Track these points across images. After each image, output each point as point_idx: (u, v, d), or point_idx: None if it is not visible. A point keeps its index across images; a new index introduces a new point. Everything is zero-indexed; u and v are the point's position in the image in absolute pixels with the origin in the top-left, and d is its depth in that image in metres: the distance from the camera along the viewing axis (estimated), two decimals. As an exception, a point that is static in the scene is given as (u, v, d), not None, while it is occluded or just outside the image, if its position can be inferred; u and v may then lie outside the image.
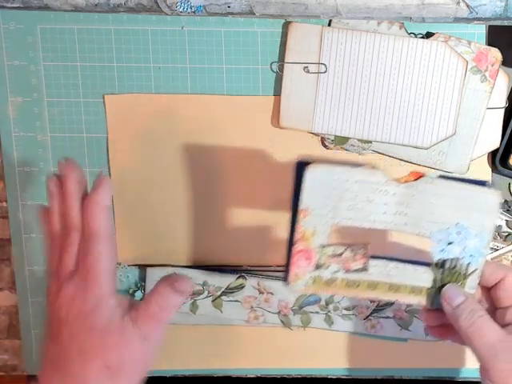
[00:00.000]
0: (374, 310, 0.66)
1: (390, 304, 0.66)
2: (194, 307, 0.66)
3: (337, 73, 0.62)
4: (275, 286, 0.66)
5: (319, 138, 0.64)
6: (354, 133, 0.62)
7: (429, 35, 0.61)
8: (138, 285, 0.66)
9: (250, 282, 0.66)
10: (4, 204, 0.66)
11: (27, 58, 0.63)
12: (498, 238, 0.65)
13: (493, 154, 0.63)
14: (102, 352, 0.48)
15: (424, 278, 0.51)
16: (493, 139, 0.63)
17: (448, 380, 0.69)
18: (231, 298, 0.66)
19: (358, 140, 0.63)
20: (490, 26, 0.62)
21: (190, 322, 0.67)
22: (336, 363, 0.68)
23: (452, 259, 0.51)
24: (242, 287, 0.66)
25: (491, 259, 0.65)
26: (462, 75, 0.61)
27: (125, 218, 0.66)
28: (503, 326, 0.49)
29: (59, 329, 0.50)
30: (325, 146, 0.64)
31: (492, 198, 0.49)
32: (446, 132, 0.62)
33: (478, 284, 0.51)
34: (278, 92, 0.63)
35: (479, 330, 0.49)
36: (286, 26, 0.62)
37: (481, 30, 0.62)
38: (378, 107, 0.62)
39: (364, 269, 0.51)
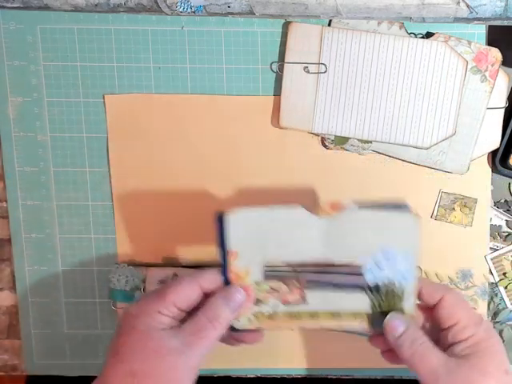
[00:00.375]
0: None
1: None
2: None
3: (337, 73, 0.62)
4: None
5: (319, 137, 0.64)
6: (353, 133, 0.62)
7: (429, 35, 0.61)
8: (138, 285, 0.66)
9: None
10: (4, 204, 0.66)
11: (27, 58, 0.63)
12: (498, 237, 0.65)
13: (493, 154, 0.63)
14: (131, 356, 0.48)
15: (362, 302, 0.53)
16: (493, 139, 0.63)
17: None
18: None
19: (358, 140, 0.63)
20: (490, 26, 0.62)
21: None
22: (336, 363, 0.68)
23: (385, 283, 0.52)
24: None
25: (491, 259, 0.65)
26: (462, 75, 0.61)
27: (125, 218, 0.66)
28: (446, 347, 0.50)
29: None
30: (325, 146, 0.64)
31: (411, 220, 0.51)
32: (446, 132, 0.62)
33: (417, 304, 0.52)
34: (278, 92, 0.63)
35: (421, 358, 0.49)
36: (285, 25, 0.62)
37: (481, 30, 0.62)
38: (377, 107, 0.62)
39: (302, 300, 0.53)
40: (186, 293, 0.50)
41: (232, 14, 0.61)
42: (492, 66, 0.61)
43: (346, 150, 0.63)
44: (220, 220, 0.51)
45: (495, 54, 0.60)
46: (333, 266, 0.53)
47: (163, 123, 0.64)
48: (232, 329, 0.53)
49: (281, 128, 0.63)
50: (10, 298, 0.68)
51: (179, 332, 0.49)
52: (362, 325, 0.53)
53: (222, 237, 0.51)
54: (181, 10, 0.60)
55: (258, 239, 0.52)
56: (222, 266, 0.52)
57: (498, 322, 0.66)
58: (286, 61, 0.62)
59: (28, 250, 0.67)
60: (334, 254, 0.52)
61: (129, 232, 0.66)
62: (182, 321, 0.50)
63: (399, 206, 0.53)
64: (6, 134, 0.65)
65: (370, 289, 0.53)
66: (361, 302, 0.53)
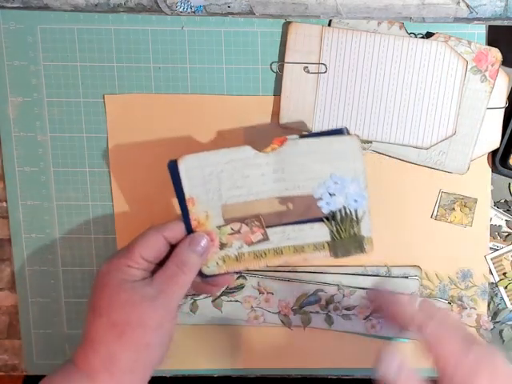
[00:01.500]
0: (374, 309, 0.66)
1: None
2: (194, 307, 0.66)
3: (337, 73, 0.62)
4: (275, 286, 0.66)
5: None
6: (353, 133, 0.62)
7: (429, 35, 0.61)
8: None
9: (250, 281, 0.66)
10: (4, 204, 0.66)
11: (27, 58, 0.63)
12: (498, 237, 0.65)
13: (493, 154, 0.63)
14: (108, 309, 0.50)
15: (322, 232, 0.55)
16: (493, 139, 0.63)
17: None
18: (231, 298, 0.66)
19: (358, 140, 0.63)
20: (490, 26, 0.62)
21: (190, 321, 0.67)
22: (336, 363, 0.68)
23: (340, 209, 0.55)
24: (242, 287, 0.66)
25: (491, 259, 0.65)
26: (462, 75, 0.61)
27: (125, 218, 0.66)
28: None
29: None
30: (325, 146, 0.64)
31: (351, 143, 0.54)
32: (446, 132, 0.62)
33: None
34: (278, 92, 0.63)
35: None
36: (285, 26, 0.62)
37: (481, 30, 0.62)
38: (377, 107, 0.62)
39: (265, 239, 0.55)
40: (152, 244, 0.53)
41: (232, 13, 0.61)
42: (492, 65, 0.61)
43: (346, 149, 0.63)
44: (173, 167, 0.54)
45: (495, 53, 0.60)
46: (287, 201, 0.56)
47: (163, 123, 0.64)
48: (203, 276, 0.55)
49: (281, 128, 0.63)
50: (10, 297, 0.68)
51: (151, 281, 0.52)
52: (323, 253, 0.56)
53: (178, 184, 0.54)
54: (181, 9, 0.60)
55: (213, 183, 0.54)
56: (183, 214, 0.54)
57: (498, 321, 0.66)
58: (286, 61, 0.62)
59: (28, 250, 0.67)
60: (286, 188, 0.55)
61: (129, 232, 0.66)
62: (153, 272, 0.53)
63: (336, 131, 0.55)
64: (6, 134, 0.65)
65: (327, 218, 0.55)
66: (320, 233, 0.55)
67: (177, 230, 0.54)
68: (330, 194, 0.54)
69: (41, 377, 0.70)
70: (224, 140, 0.64)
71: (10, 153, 0.65)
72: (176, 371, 0.68)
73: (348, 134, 0.55)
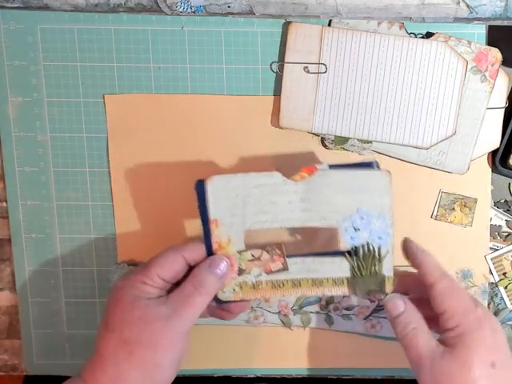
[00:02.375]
0: (374, 309, 0.66)
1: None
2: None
3: (337, 73, 0.62)
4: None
5: (319, 138, 0.64)
6: (353, 133, 0.62)
7: (429, 35, 0.61)
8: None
9: (251, 281, 0.66)
10: (4, 204, 0.66)
11: (27, 58, 0.63)
12: (498, 237, 0.65)
13: (493, 154, 0.63)
14: (121, 325, 0.50)
15: (342, 268, 0.54)
16: (493, 139, 0.63)
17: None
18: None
19: (358, 140, 0.63)
20: (490, 26, 0.62)
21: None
22: (336, 363, 0.68)
23: (363, 245, 0.54)
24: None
25: (491, 259, 0.65)
26: (462, 75, 0.61)
27: (125, 218, 0.66)
28: (441, 333, 0.51)
29: None
30: (325, 146, 0.64)
31: (381, 178, 0.53)
32: (446, 132, 0.62)
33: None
34: (278, 92, 0.63)
35: (410, 342, 0.51)
36: (285, 26, 0.61)
37: (481, 30, 0.62)
38: (378, 107, 0.62)
39: (284, 268, 0.54)
40: (169, 263, 0.52)
41: (232, 13, 0.61)
42: (492, 65, 0.61)
43: (346, 149, 0.63)
44: (199, 187, 0.53)
45: (495, 53, 0.60)
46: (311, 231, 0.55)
47: (163, 123, 0.64)
48: (218, 301, 0.54)
49: (281, 128, 0.63)
50: (9, 298, 0.68)
51: (166, 300, 0.51)
52: (342, 290, 0.54)
53: (203, 205, 0.53)
54: (181, 9, 0.60)
55: (238, 206, 0.53)
56: (205, 236, 0.53)
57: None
58: (286, 61, 0.62)
59: (28, 250, 0.67)
60: (311, 219, 0.54)
61: (129, 232, 0.66)
62: (169, 291, 0.52)
63: (367, 164, 0.54)
64: (6, 134, 0.65)
65: (349, 253, 0.54)
66: (341, 268, 0.54)
67: (197, 252, 0.53)
68: (355, 229, 0.53)
69: (41, 377, 0.70)
70: (224, 140, 0.64)
71: (10, 153, 0.65)
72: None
73: (378, 168, 0.54)
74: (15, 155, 0.65)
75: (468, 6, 0.58)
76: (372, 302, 0.66)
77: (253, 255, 0.54)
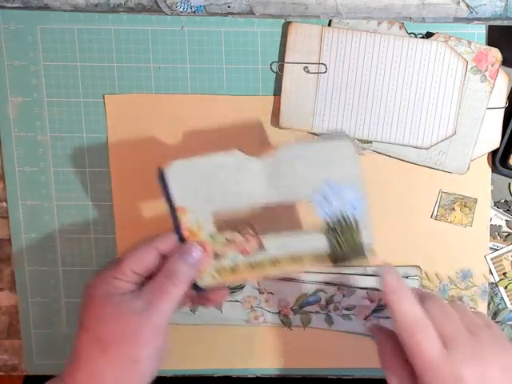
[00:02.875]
0: (374, 309, 0.66)
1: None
2: (194, 307, 0.66)
3: (337, 73, 0.62)
4: (275, 285, 0.66)
5: (319, 138, 0.64)
6: (353, 133, 0.62)
7: (429, 35, 0.61)
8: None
9: (250, 282, 0.66)
10: (4, 204, 0.66)
11: (27, 58, 0.63)
12: (498, 237, 0.65)
13: (493, 154, 0.63)
14: (94, 324, 0.49)
15: (320, 241, 0.53)
16: (493, 139, 0.63)
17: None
18: (231, 298, 0.66)
19: (358, 140, 0.63)
20: (490, 26, 0.62)
21: (190, 322, 0.67)
22: (336, 363, 0.68)
23: (337, 216, 0.52)
24: (242, 287, 0.66)
25: (491, 259, 0.65)
26: (462, 75, 0.61)
27: (125, 218, 0.66)
28: None
29: None
30: (325, 146, 0.64)
31: (346, 148, 0.51)
32: (446, 132, 0.62)
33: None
34: (278, 92, 0.63)
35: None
36: (285, 26, 0.62)
37: (481, 30, 0.62)
38: (377, 107, 0.62)
39: (260, 248, 0.53)
40: (141, 256, 0.51)
41: (232, 13, 0.61)
42: (492, 65, 0.61)
43: (346, 149, 0.63)
44: (161, 176, 0.51)
45: (495, 53, 0.60)
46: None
47: (163, 123, 0.64)
48: (198, 289, 0.53)
49: (281, 128, 0.63)
50: (9, 298, 0.68)
51: (139, 293, 0.49)
52: (324, 263, 0.53)
53: (167, 193, 0.51)
54: (181, 9, 0.60)
55: (203, 190, 0.51)
56: (174, 224, 0.52)
57: (498, 321, 0.66)
58: (286, 61, 0.62)
59: (28, 250, 0.67)
60: (280, 195, 0.52)
61: (129, 232, 0.66)
62: (143, 285, 0.51)
63: (335, 136, 0.53)
64: (6, 134, 0.65)
65: (326, 225, 0.53)
66: (318, 241, 0.53)
67: (169, 242, 0.52)
68: (327, 201, 0.52)
69: (41, 377, 0.70)
70: (224, 140, 0.64)
71: (10, 153, 0.65)
72: (176, 371, 0.68)
73: (346, 138, 0.53)
74: (15, 155, 0.65)
75: (468, 5, 0.58)
76: (372, 302, 0.66)
77: (226, 238, 0.52)
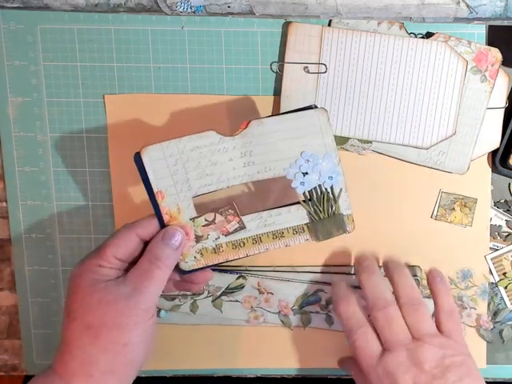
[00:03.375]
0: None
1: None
2: (194, 307, 0.66)
3: (337, 73, 0.62)
4: (275, 285, 0.66)
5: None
6: (353, 133, 0.62)
7: (429, 35, 0.61)
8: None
9: (250, 281, 0.66)
10: (4, 204, 0.66)
11: (27, 58, 0.63)
12: (498, 237, 0.65)
13: (493, 154, 0.63)
14: (82, 312, 0.49)
15: (300, 215, 0.53)
16: (493, 139, 0.63)
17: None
18: (231, 298, 0.66)
19: (358, 140, 0.63)
20: (489, 26, 0.62)
21: (190, 322, 0.67)
22: (336, 363, 0.68)
23: (315, 188, 0.53)
24: (242, 287, 0.66)
25: (491, 259, 0.65)
26: (462, 75, 0.61)
27: (125, 218, 0.66)
28: None
29: None
30: (325, 146, 0.64)
31: (319, 117, 0.52)
32: (446, 132, 0.62)
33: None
34: (278, 92, 0.63)
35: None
36: (286, 26, 0.62)
37: (481, 30, 0.62)
38: (378, 107, 0.62)
39: (241, 227, 0.53)
40: (124, 243, 0.51)
41: (232, 14, 0.61)
42: (492, 65, 0.61)
43: (346, 149, 0.63)
44: (138, 160, 0.52)
45: (495, 53, 0.60)
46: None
47: (163, 123, 0.64)
48: (182, 272, 0.54)
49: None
50: (10, 297, 0.68)
51: (124, 279, 0.50)
52: (304, 237, 0.54)
53: (145, 177, 0.52)
54: (181, 9, 0.60)
55: (179, 173, 0.52)
56: (154, 209, 0.52)
57: (498, 321, 0.66)
58: (286, 61, 0.62)
59: (28, 250, 0.67)
60: (257, 172, 0.53)
61: (129, 232, 0.66)
62: (127, 271, 0.51)
63: (306, 108, 0.53)
64: (6, 134, 0.65)
65: (304, 199, 0.53)
66: (298, 215, 0.54)
67: (150, 227, 0.52)
68: (303, 173, 0.53)
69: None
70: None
71: (10, 153, 0.65)
72: (176, 371, 0.68)
73: (316, 107, 0.53)
74: (15, 155, 0.65)
75: (468, 5, 0.58)
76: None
77: (206, 220, 0.53)
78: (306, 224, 0.54)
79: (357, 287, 0.60)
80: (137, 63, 0.63)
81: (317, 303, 0.66)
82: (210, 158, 0.52)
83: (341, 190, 0.54)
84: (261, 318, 0.67)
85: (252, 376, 0.69)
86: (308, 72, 0.62)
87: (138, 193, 0.65)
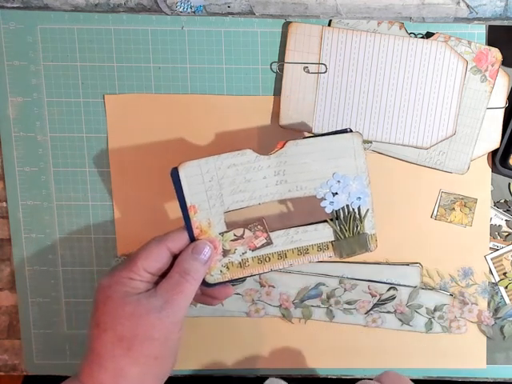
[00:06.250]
0: (375, 304, 0.66)
1: (391, 299, 0.66)
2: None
3: (337, 73, 0.62)
4: (277, 278, 0.66)
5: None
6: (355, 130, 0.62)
7: (429, 35, 0.61)
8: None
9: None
10: (4, 204, 0.66)
11: (27, 58, 0.63)
12: (498, 237, 0.65)
13: (493, 154, 0.64)
14: (113, 323, 0.49)
15: (325, 233, 0.55)
16: (493, 139, 0.63)
17: (448, 380, 0.69)
18: (233, 291, 0.67)
19: (358, 140, 0.63)
20: (489, 26, 0.62)
21: (192, 314, 0.67)
22: (336, 363, 0.68)
23: (343, 208, 0.55)
24: (244, 280, 0.66)
25: (491, 259, 0.65)
26: (462, 75, 0.61)
27: (125, 218, 0.66)
28: None
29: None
30: (325, 146, 0.64)
31: (353, 140, 0.54)
32: (446, 132, 0.62)
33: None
34: (278, 92, 0.63)
35: None
36: (286, 26, 0.61)
37: (481, 30, 0.62)
38: (377, 107, 0.62)
39: (268, 243, 0.55)
40: (155, 256, 0.52)
41: (232, 14, 0.61)
42: (492, 66, 0.61)
43: (346, 149, 0.63)
44: (175, 175, 0.53)
45: (495, 53, 0.60)
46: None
47: (163, 123, 0.64)
48: (207, 284, 0.54)
49: (281, 128, 0.63)
50: (10, 297, 0.68)
51: (155, 292, 0.50)
52: (328, 254, 0.55)
53: (180, 192, 0.53)
54: (181, 9, 0.60)
55: (214, 189, 0.53)
56: (185, 223, 0.53)
57: (499, 317, 0.66)
58: (286, 61, 0.62)
59: (28, 249, 0.67)
60: (288, 190, 0.54)
61: (129, 231, 0.66)
62: (157, 283, 0.52)
63: (341, 131, 0.55)
64: (6, 134, 0.65)
65: (331, 218, 0.55)
66: (324, 233, 0.55)
67: (180, 240, 0.53)
68: (333, 194, 0.54)
69: (41, 377, 0.70)
70: (224, 140, 0.64)
71: (10, 153, 0.65)
72: (176, 371, 0.68)
73: (351, 131, 0.55)
74: (15, 155, 0.65)
75: (468, 5, 0.58)
76: (373, 296, 0.66)
77: (235, 235, 0.54)
78: (331, 242, 0.55)
79: None
80: (137, 63, 0.63)
81: (318, 297, 0.67)
82: (244, 175, 0.53)
83: (367, 210, 0.55)
84: (262, 311, 0.67)
85: (252, 376, 0.69)
86: (308, 72, 0.62)
87: (138, 193, 0.65)
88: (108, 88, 0.64)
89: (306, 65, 0.62)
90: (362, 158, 0.54)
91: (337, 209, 0.54)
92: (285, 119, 0.63)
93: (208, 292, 0.56)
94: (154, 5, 0.60)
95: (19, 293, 0.68)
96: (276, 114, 0.63)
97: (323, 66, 0.61)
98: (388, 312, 0.67)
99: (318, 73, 0.62)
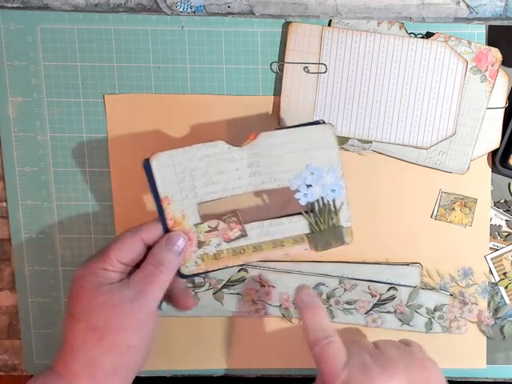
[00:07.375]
0: (375, 304, 0.66)
1: (391, 299, 0.66)
2: (195, 299, 0.66)
3: (337, 73, 0.62)
4: (277, 278, 0.66)
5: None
6: (353, 133, 0.62)
7: (429, 35, 0.61)
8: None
9: (252, 274, 0.66)
10: (4, 204, 0.66)
11: (27, 58, 0.63)
12: (498, 237, 0.65)
13: (493, 154, 0.64)
14: (86, 313, 0.50)
15: (300, 225, 0.55)
16: (493, 139, 0.63)
17: (448, 380, 0.69)
18: (232, 291, 0.66)
19: (358, 140, 0.63)
20: (489, 26, 0.62)
21: (191, 314, 0.67)
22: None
23: (318, 200, 0.54)
24: (244, 280, 0.66)
25: (491, 259, 0.65)
26: (462, 75, 0.61)
27: (125, 218, 0.66)
28: None
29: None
30: (325, 146, 0.64)
31: (326, 132, 0.54)
32: (446, 132, 0.62)
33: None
34: (278, 92, 0.63)
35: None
36: (285, 26, 0.62)
37: (481, 30, 0.62)
38: (378, 107, 0.62)
39: (243, 235, 0.54)
40: (128, 247, 0.52)
41: (232, 14, 0.61)
42: (492, 66, 0.61)
43: (346, 150, 0.63)
44: (147, 166, 0.53)
45: (495, 53, 0.60)
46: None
47: (163, 123, 0.64)
48: (182, 276, 0.55)
49: (281, 128, 0.63)
50: (10, 297, 0.68)
51: (128, 283, 0.51)
52: (303, 246, 0.55)
53: (153, 184, 0.53)
54: (181, 9, 0.60)
55: (186, 180, 0.53)
56: (159, 214, 0.53)
57: (499, 317, 0.66)
58: (286, 61, 0.62)
59: (28, 249, 0.67)
60: (262, 182, 0.54)
61: (129, 232, 0.66)
62: (130, 274, 0.52)
63: (313, 123, 0.55)
64: (6, 134, 0.65)
65: (305, 210, 0.54)
66: (299, 226, 0.55)
67: (154, 231, 0.53)
68: (307, 186, 0.54)
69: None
70: (224, 140, 0.64)
71: (10, 153, 0.65)
72: (176, 371, 0.68)
73: (324, 123, 0.55)
74: (15, 155, 0.65)
75: (468, 5, 0.58)
76: (373, 296, 0.66)
77: (210, 226, 0.54)
78: (306, 234, 0.55)
79: None
80: (137, 63, 0.63)
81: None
82: (217, 166, 0.53)
83: (342, 203, 0.55)
84: (262, 311, 0.67)
85: (252, 376, 0.69)
86: (308, 72, 0.62)
87: (138, 193, 0.65)
88: (108, 88, 0.64)
89: (306, 65, 0.62)
90: (335, 150, 0.54)
91: (311, 201, 0.54)
92: (285, 119, 0.63)
93: (172, 298, 0.56)
94: (154, 5, 0.60)
95: (19, 293, 0.68)
96: (276, 114, 0.63)
97: (323, 66, 0.61)
98: (388, 312, 0.67)
99: (318, 73, 0.62)
